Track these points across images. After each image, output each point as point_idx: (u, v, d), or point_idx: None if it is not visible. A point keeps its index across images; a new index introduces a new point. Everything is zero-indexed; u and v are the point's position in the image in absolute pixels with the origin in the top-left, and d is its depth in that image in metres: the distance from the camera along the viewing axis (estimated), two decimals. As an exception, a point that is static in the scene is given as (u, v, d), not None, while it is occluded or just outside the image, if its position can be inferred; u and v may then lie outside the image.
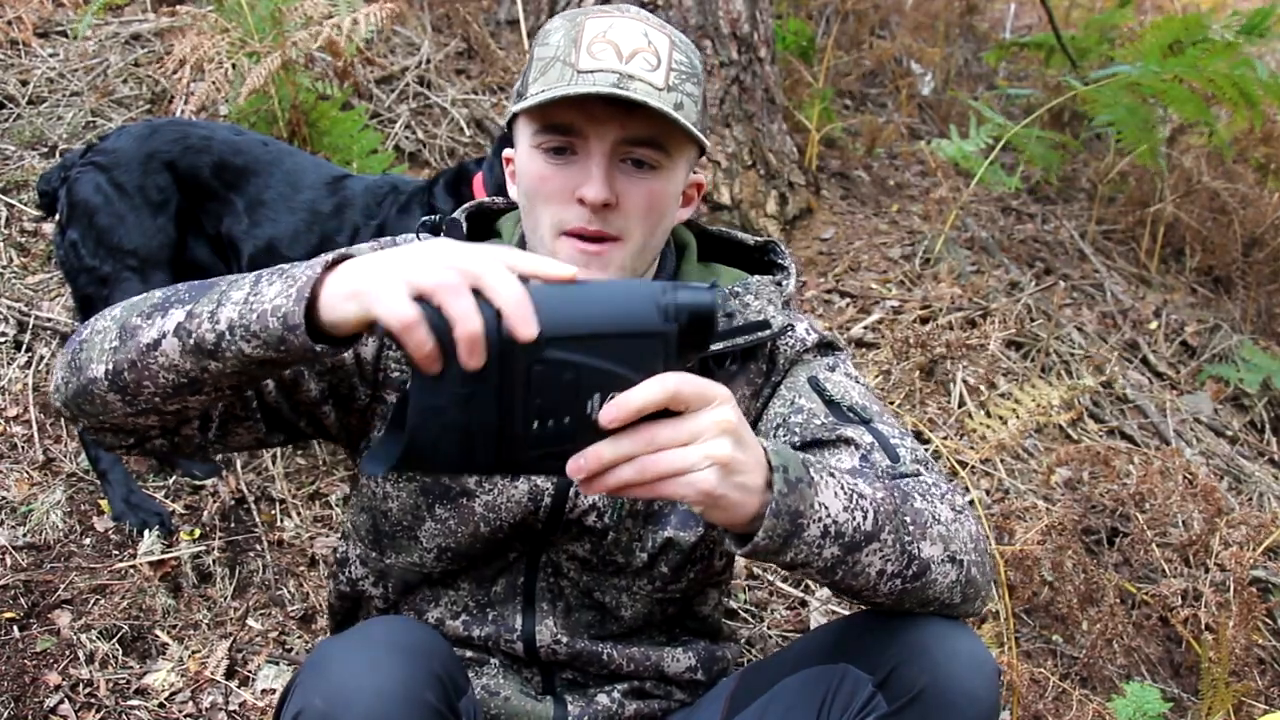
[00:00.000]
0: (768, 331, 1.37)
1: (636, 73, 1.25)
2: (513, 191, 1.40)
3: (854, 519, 1.12)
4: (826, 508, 1.10)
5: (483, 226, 1.50)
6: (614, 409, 0.98)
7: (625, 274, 1.32)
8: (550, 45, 1.29)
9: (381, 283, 0.99)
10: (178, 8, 3.82)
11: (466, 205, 1.48)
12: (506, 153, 1.42)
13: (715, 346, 1.35)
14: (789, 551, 1.09)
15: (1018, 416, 2.65)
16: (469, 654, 1.41)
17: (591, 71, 1.24)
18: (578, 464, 0.99)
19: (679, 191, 1.35)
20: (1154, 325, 3.75)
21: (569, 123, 1.27)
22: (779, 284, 1.44)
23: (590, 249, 1.29)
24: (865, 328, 3.32)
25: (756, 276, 1.43)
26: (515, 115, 1.32)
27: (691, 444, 1.00)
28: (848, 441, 1.32)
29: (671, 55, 1.28)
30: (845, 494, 1.12)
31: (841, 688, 1.21)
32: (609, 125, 1.26)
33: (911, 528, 1.16)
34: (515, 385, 1.00)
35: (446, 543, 1.37)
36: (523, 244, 1.42)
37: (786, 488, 1.07)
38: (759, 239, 1.50)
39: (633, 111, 1.24)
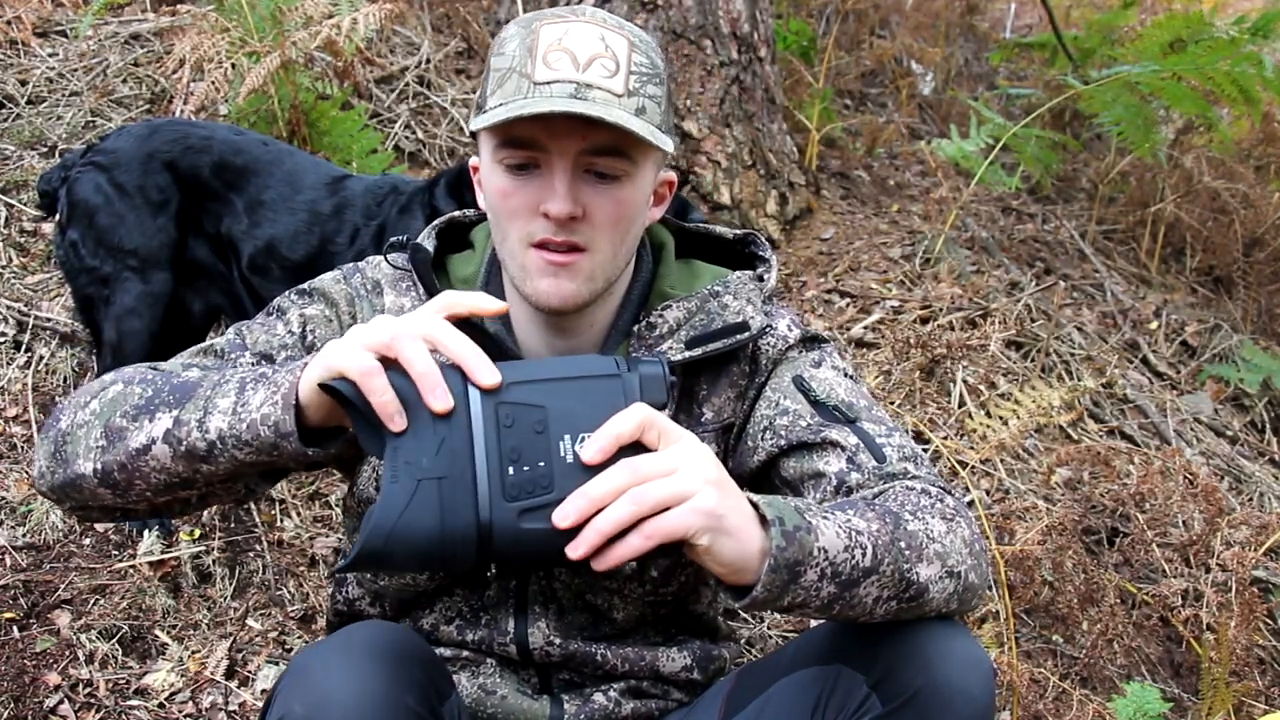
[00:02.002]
0: (746, 334, 1.36)
1: (594, 80, 1.22)
2: (481, 200, 1.39)
3: (853, 558, 1.11)
4: (826, 551, 1.09)
5: (456, 239, 1.48)
6: (595, 440, 1.02)
7: (595, 282, 1.31)
8: (506, 55, 1.26)
9: (342, 346, 1.06)
10: (178, 7, 3.81)
11: (435, 222, 1.46)
12: (472, 161, 1.40)
13: (694, 352, 1.35)
14: (786, 597, 1.09)
15: (1018, 417, 2.65)
16: (465, 654, 1.41)
17: (548, 83, 1.22)
18: (564, 511, 1.01)
19: (648, 195, 1.33)
20: (1154, 325, 3.75)
21: (529, 137, 1.24)
22: (760, 278, 1.43)
23: (559, 259, 1.27)
24: (865, 328, 3.32)
25: (736, 273, 1.42)
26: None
27: (678, 470, 1.02)
28: (833, 444, 1.31)
29: (631, 57, 1.25)
30: (845, 533, 1.11)
31: (836, 689, 1.21)
32: (569, 138, 1.23)
33: (908, 552, 1.15)
34: (485, 427, 1.02)
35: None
36: (493, 257, 1.41)
37: (784, 540, 1.06)
38: (737, 231, 1.49)
39: (593, 121, 1.22)
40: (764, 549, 1.06)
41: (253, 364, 1.31)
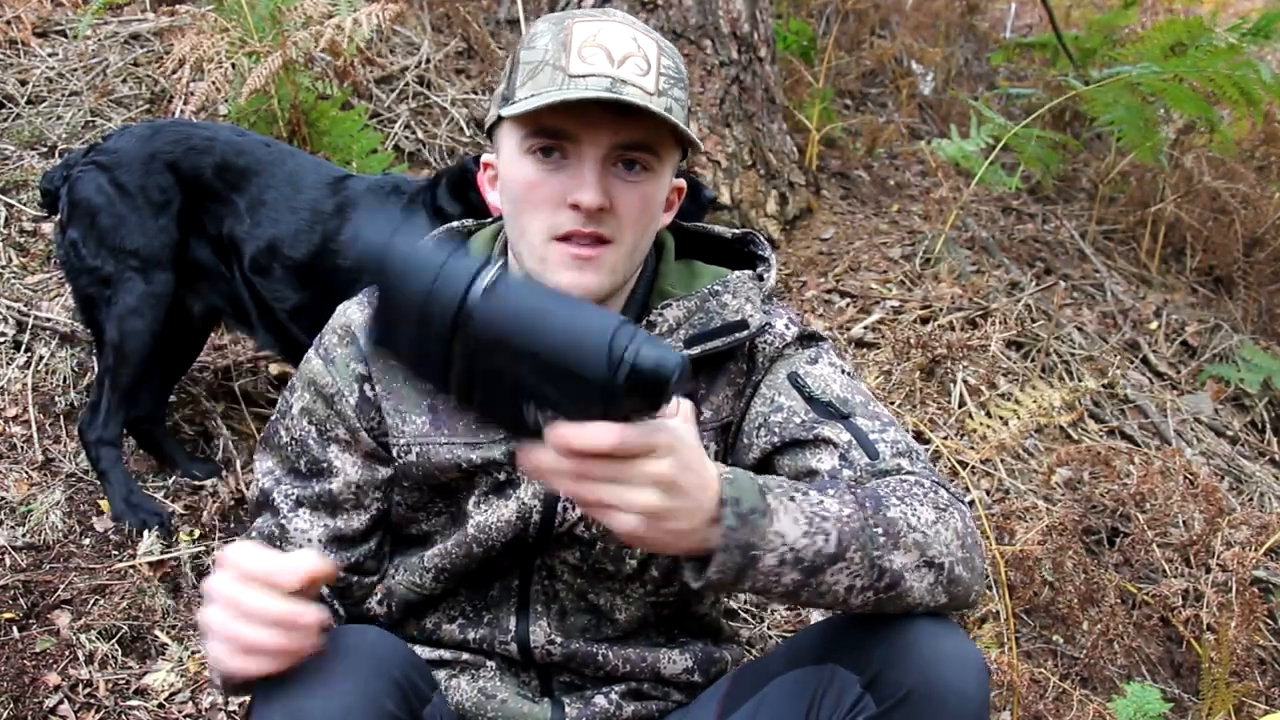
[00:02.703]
0: (745, 332, 1.37)
1: (629, 77, 1.24)
2: (492, 198, 1.38)
3: (815, 544, 1.10)
4: (783, 536, 1.08)
5: None
6: (559, 439, 0.97)
7: (616, 276, 1.31)
8: (537, 49, 1.28)
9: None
10: (177, 7, 3.82)
11: (434, 233, 1.46)
12: (485, 158, 1.40)
13: (693, 351, 1.35)
14: (745, 581, 1.09)
15: (1018, 417, 2.65)
16: (465, 656, 1.41)
17: (584, 76, 1.24)
18: (523, 455, 1.00)
19: (666, 196, 1.35)
20: (1154, 325, 3.75)
21: (562, 127, 1.26)
22: (760, 277, 1.43)
23: (585, 252, 1.28)
24: (865, 328, 3.32)
25: (736, 273, 1.42)
26: (498, 120, 1.31)
27: (624, 486, 0.99)
28: (826, 441, 1.31)
29: (660, 60, 1.28)
30: (806, 518, 1.10)
31: (830, 689, 1.21)
32: (603, 130, 1.25)
33: (882, 539, 1.14)
34: (462, 357, 0.98)
35: (443, 563, 1.39)
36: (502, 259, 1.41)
37: (737, 521, 1.06)
38: (736, 230, 1.49)
39: (626, 116, 1.24)
40: (712, 542, 1.06)
41: (288, 490, 1.39)
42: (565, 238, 1.28)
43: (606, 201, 1.26)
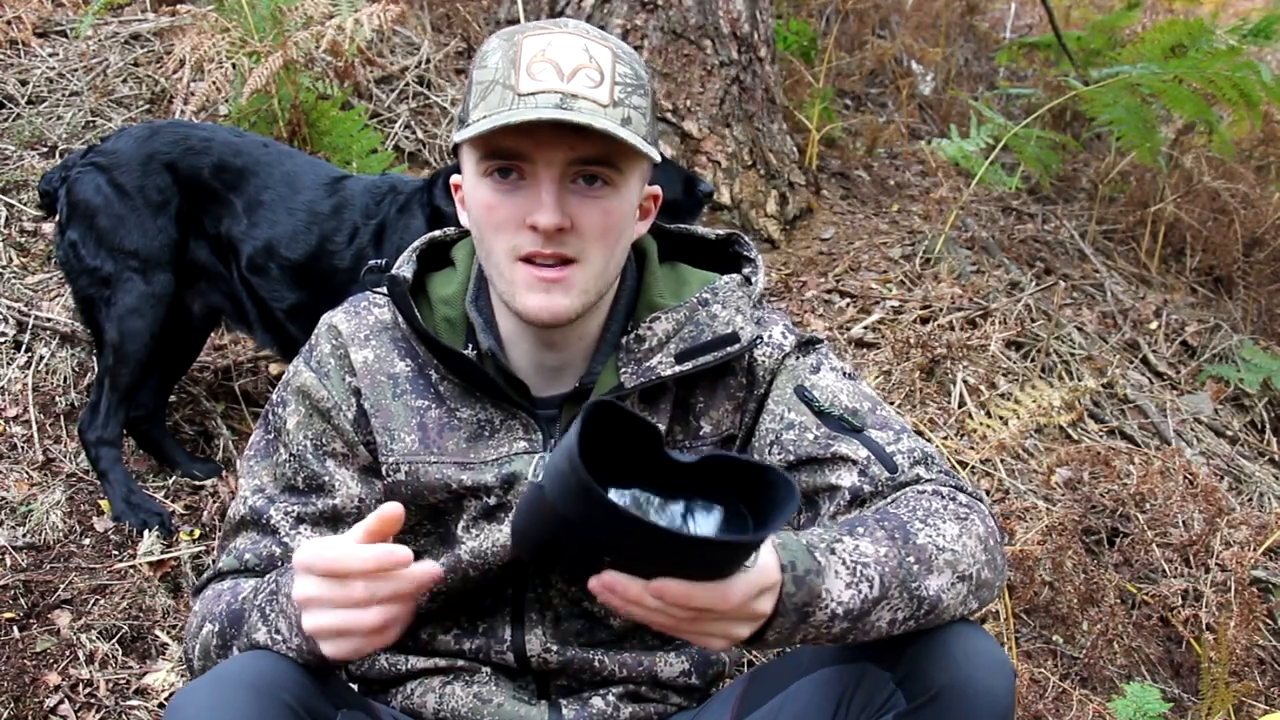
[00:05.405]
0: (736, 346, 1.36)
1: (579, 91, 1.22)
2: (464, 219, 1.38)
3: (860, 593, 1.12)
4: (831, 592, 1.10)
5: (438, 257, 1.47)
6: (674, 596, 1.00)
7: (588, 296, 1.30)
8: (489, 68, 1.25)
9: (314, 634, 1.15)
10: (178, 7, 3.81)
11: (414, 245, 1.45)
12: (455, 179, 1.39)
13: (684, 366, 1.34)
14: (796, 638, 1.11)
15: (1018, 417, 2.65)
16: (460, 663, 1.41)
17: (533, 94, 1.21)
18: (603, 581, 1.01)
19: (635, 207, 1.33)
20: (1154, 325, 3.75)
21: (514, 148, 1.23)
22: (748, 281, 1.42)
23: (550, 275, 1.26)
24: (865, 328, 3.32)
25: (724, 278, 1.41)
26: (460, 142, 1.29)
27: (718, 624, 1.05)
28: (843, 459, 1.32)
29: (615, 68, 1.25)
30: (848, 569, 1.12)
31: (861, 686, 1.22)
32: (556, 149, 1.22)
33: (916, 568, 1.16)
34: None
35: (438, 588, 1.38)
36: (480, 273, 1.40)
37: (794, 586, 1.08)
38: (720, 232, 1.48)
39: (580, 132, 1.21)
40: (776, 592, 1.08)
41: (287, 508, 1.38)
42: (529, 259, 1.27)
43: (566, 221, 1.24)
